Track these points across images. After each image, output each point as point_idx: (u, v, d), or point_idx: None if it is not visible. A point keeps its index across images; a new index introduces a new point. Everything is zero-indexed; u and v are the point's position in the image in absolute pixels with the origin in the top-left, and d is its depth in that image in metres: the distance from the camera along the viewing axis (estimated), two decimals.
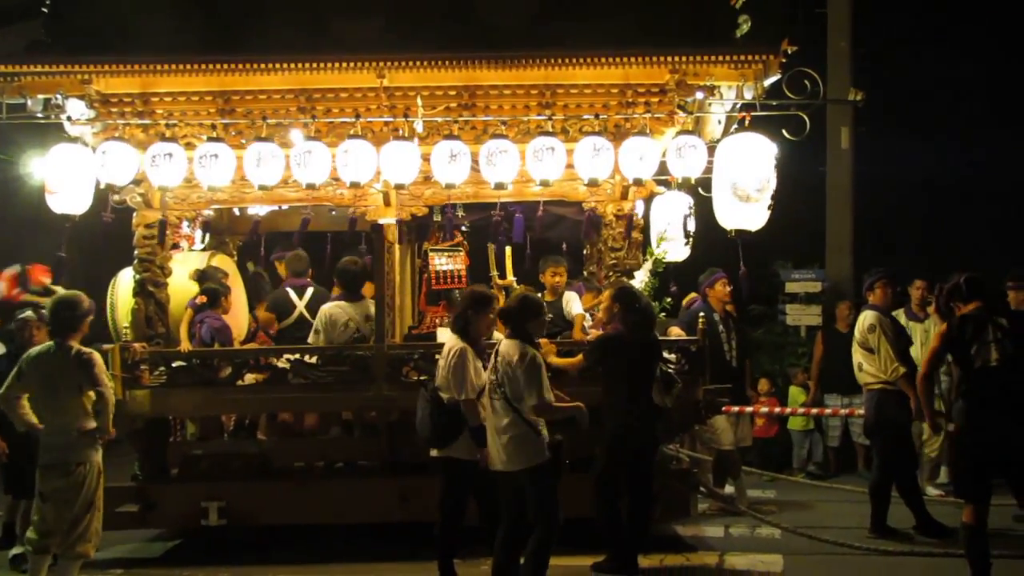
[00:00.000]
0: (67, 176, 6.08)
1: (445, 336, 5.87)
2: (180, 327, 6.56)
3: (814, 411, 8.87)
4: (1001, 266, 7.22)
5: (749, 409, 8.03)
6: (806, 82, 6.07)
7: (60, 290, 6.38)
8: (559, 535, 4.99)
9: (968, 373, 5.15)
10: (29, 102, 6.33)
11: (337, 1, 6.35)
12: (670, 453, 6.80)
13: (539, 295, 6.03)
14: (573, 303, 6.89)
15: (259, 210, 7.53)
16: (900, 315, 8.02)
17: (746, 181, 6.02)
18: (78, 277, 7.13)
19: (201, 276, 6.90)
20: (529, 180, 6.16)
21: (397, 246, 6.81)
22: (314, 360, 6.35)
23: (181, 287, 6.80)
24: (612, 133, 6.23)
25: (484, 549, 5.29)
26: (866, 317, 6.78)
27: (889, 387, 6.58)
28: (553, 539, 4.97)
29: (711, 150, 6.19)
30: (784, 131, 6.25)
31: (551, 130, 6.07)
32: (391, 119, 6.23)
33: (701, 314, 6.76)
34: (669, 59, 6.09)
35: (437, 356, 5.60)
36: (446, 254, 7.39)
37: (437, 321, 7.27)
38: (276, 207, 7.33)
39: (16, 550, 6.04)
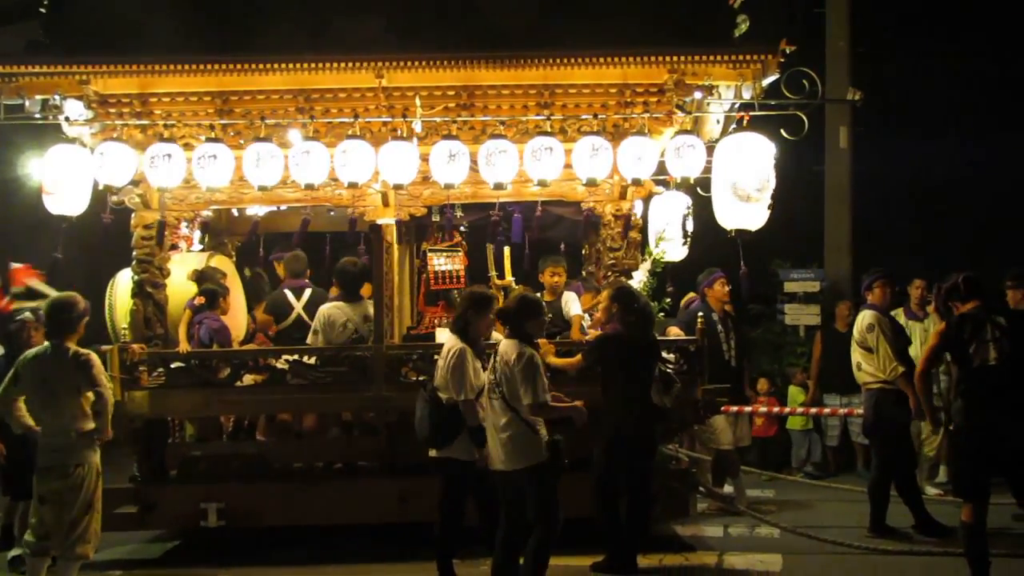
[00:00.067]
0: (64, 177, 6.08)
1: (444, 336, 5.87)
2: (179, 328, 6.55)
3: (813, 411, 8.88)
4: (1000, 265, 7.22)
5: (748, 409, 8.04)
6: (804, 82, 6.08)
7: (48, 291, 6.36)
8: (559, 535, 4.99)
9: (966, 372, 5.15)
10: (27, 103, 6.32)
11: (336, 1, 6.35)
12: (669, 453, 6.81)
13: (538, 295, 6.02)
14: (572, 304, 6.89)
15: (258, 211, 7.52)
16: (899, 314, 8.03)
17: (746, 181, 6.03)
18: (76, 278, 7.11)
19: (199, 277, 6.89)
20: (528, 180, 6.17)
21: (396, 246, 6.82)
22: (313, 361, 6.34)
23: (180, 288, 6.79)
24: (610, 133, 6.23)
25: (483, 549, 5.28)
26: (865, 316, 6.78)
27: (888, 386, 6.58)
28: (553, 539, 4.97)
29: (709, 150, 6.19)
30: (782, 131, 6.26)
31: (549, 130, 6.07)
32: (390, 119, 6.23)
33: (700, 314, 6.76)
34: (667, 59, 6.10)
35: (436, 356, 5.60)
36: (445, 254, 7.38)
37: (436, 321, 7.25)
38: (275, 208, 7.32)
39: (15, 552, 6.03)
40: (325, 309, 6.58)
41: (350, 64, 6.09)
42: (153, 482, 6.39)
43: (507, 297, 6.56)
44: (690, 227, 7.42)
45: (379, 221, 6.47)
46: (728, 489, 7.64)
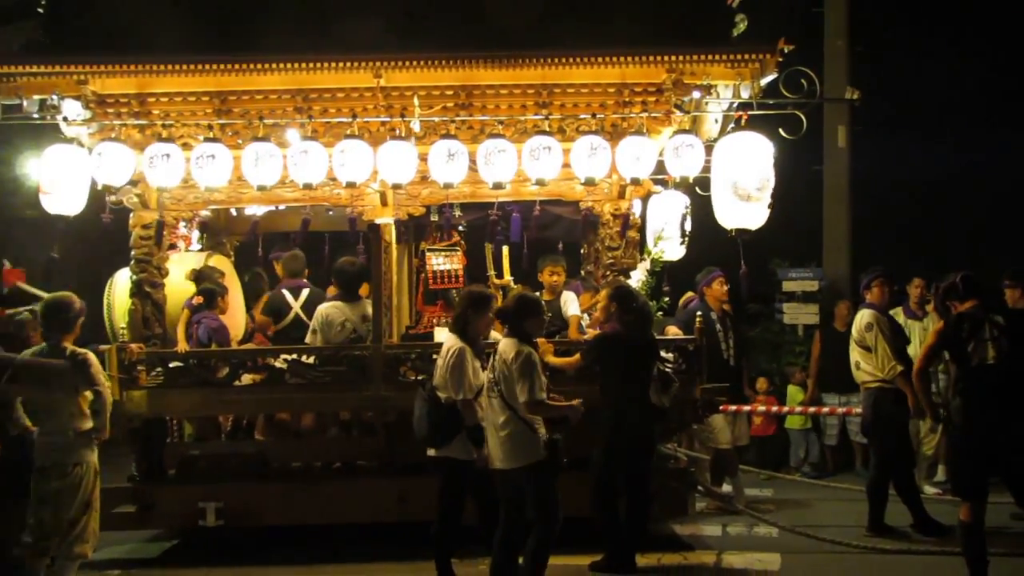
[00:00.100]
0: (62, 177, 6.07)
1: (443, 336, 5.87)
2: (177, 327, 6.55)
3: (812, 410, 8.88)
4: (998, 265, 7.23)
5: (747, 408, 8.04)
6: (803, 81, 6.09)
7: (34, 291, 6.35)
8: (558, 534, 4.99)
9: (965, 371, 5.15)
10: (25, 103, 6.32)
11: (334, 1, 6.35)
12: (668, 452, 6.80)
13: (537, 294, 6.02)
14: (570, 304, 6.88)
15: (256, 210, 7.52)
16: (898, 313, 8.04)
17: (746, 180, 6.03)
18: (74, 278, 7.11)
19: (198, 276, 6.89)
20: (526, 179, 6.16)
21: (394, 246, 6.81)
22: (311, 360, 6.34)
23: (178, 287, 6.79)
24: (609, 132, 6.22)
25: (482, 549, 5.28)
26: (863, 316, 6.78)
27: (887, 385, 6.58)
28: (552, 538, 4.97)
29: (708, 149, 6.19)
30: (781, 130, 6.26)
31: (548, 129, 6.07)
32: (388, 119, 6.23)
33: (698, 313, 6.77)
34: (666, 58, 6.11)
35: (434, 356, 5.60)
36: (443, 254, 7.38)
37: (434, 321, 7.26)
38: (273, 207, 7.32)
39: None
40: (323, 309, 6.57)
41: (348, 64, 6.09)
42: (151, 481, 6.39)
43: (506, 296, 6.56)
44: (688, 226, 7.42)
45: (377, 221, 6.47)
46: (727, 488, 7.64)
